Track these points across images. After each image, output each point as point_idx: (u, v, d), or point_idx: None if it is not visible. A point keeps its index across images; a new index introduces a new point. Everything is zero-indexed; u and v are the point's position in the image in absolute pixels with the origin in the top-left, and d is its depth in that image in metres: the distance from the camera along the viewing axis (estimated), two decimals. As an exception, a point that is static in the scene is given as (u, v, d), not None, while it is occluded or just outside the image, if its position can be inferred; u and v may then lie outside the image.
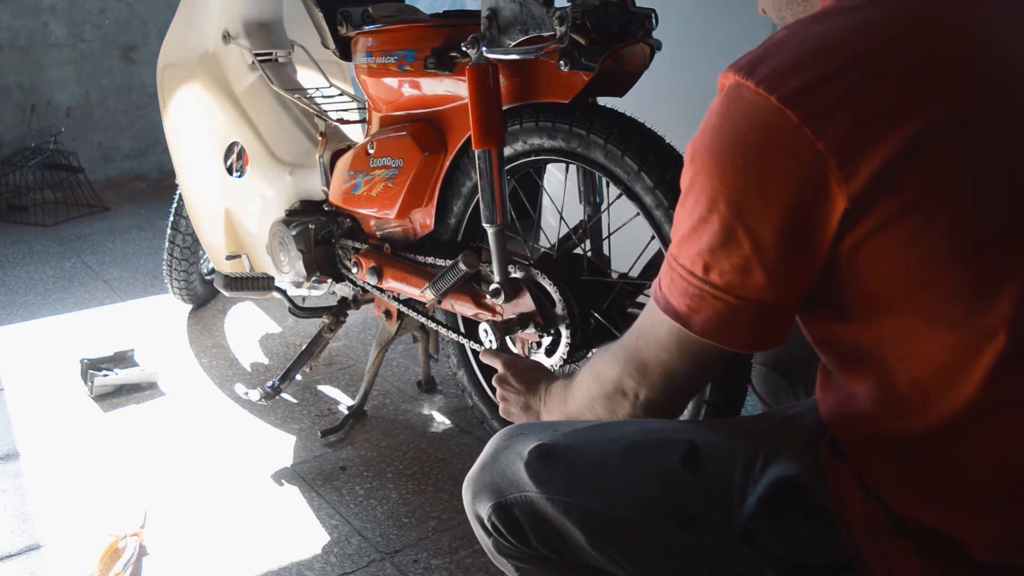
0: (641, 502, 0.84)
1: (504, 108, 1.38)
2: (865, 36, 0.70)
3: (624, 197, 1.34)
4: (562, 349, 1.41)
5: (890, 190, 0.66)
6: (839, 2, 0.75)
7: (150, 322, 2.56)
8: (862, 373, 0.76)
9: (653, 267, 1.45)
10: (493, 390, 1.70)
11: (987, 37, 0.71)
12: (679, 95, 2.07)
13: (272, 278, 1.85)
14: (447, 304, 1.57)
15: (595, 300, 1.41)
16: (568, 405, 1.01)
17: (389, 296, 1.73)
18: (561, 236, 1.54)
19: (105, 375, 2.08)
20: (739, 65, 0.73)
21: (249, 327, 2.52)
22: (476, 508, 0.92)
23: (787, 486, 0.79)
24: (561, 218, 1.55)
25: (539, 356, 1.45)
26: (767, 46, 0.74)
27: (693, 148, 0.75)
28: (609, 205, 1.50)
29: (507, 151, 1.45)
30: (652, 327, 0.83)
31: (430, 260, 1.61)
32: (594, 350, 1.47)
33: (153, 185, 4.39)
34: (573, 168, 1.49)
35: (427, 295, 1.56)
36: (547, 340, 1.43)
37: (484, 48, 1.34)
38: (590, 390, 0.95)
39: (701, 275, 0.75)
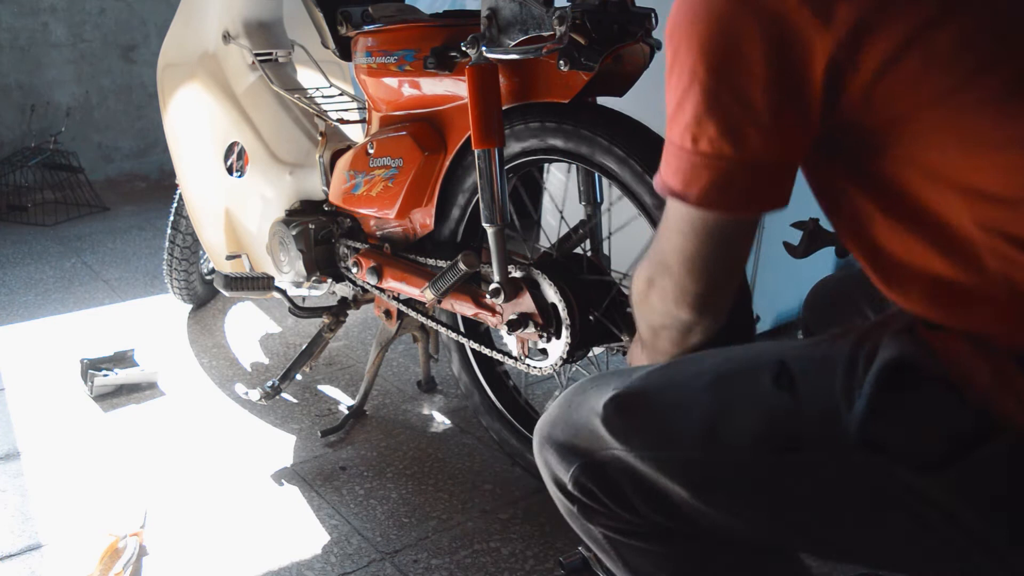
0: (738, 437, 0.77)
1: (504, 108, 1.38)
2: None
3: (624, 197, 1.34)
4: (562, 349, 1.41)
5: (876, 31, 0.65)
6: None
7: (150, 322, 2.56)
8: (914, 230, 0.73)
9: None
10: (493, 390, 1.71)
11: None
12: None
13: (272, 278, 1.85)
14: (447, 304, 1.57)
15: (595, 300, 1.41)
16: (641, 340, 0.95)
17: (389, 296, 1.73)
18: (561, 236, 1.54)
19: (105, 375, 2.08)
20: None
21: (249, 327, 2.52)
22: (555, 472, 0.85)
23: (893, 374, 0.73)
24: (561, 218, 1.55)
25: (538, 356, 1.45)
26: None
27: (670, 26, 0.74)
28: (610, 206, 1.50)
29: (507, 151, 1.45)
30: (664, 221, 0.81)
31: (430, 260, 1.61)
32: (595, 349, 1.47)
33: (153, 185, 4.39)
34: (574, 168, 1.49)
35: (427, 295, 1.56)
36: (547, 340, 1.43)
37: (484, 48, 1.34)
38: (636, 308, 0.90)
39: (691, 147, 0.75)
